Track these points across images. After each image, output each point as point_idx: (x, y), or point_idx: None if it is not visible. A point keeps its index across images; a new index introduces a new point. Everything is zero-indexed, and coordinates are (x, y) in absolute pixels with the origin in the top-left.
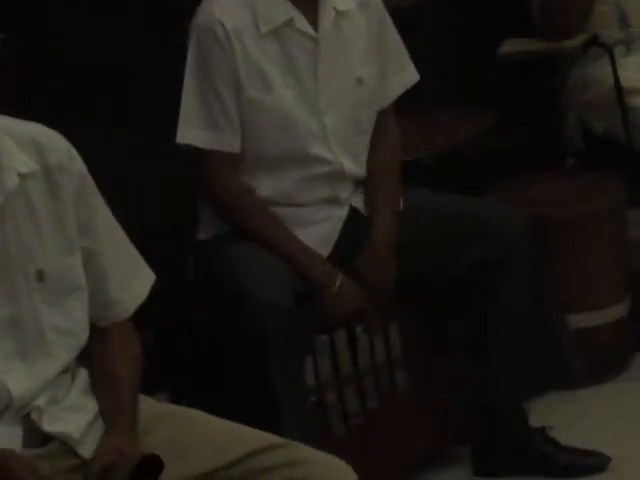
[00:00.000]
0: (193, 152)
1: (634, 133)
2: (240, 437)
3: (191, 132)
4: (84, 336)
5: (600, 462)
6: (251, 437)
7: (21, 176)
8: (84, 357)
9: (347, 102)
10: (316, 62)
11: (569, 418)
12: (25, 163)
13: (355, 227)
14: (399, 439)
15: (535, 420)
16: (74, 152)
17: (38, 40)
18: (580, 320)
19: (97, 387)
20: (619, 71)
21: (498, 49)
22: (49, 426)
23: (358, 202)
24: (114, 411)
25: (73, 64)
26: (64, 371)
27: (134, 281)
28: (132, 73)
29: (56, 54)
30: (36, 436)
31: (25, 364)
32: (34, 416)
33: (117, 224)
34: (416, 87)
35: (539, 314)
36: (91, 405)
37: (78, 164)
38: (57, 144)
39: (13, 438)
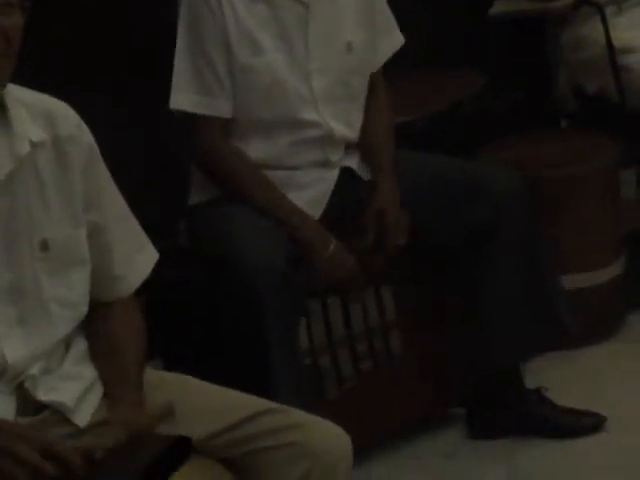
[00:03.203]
0: (185, 117)
1: (627, 92)
2: (235, 403)
3: (183, 97)
4: (84, 309)
5: (596, 422)
6: (245, 403)
7: (32, 145)
8: (80, 327)
9: (337, 67)
10: (306, 27)
11: (564, 379)
12: (36, 132)
13: (346, 189)
14: (393, 402)
15: (531, 381)
16: (84, 125)
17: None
18: (574, 280)
19: (101, 361)
20: (611, 31)
21: (489, 9)
22: (43, 395)
23: (351, 163)
24: (121, 383)
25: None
26: (60, 341)
27: (138, 257)
28: (123, 40)
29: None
30: (30, 405)
31: (23, 332)
32: (28, 385)
33: (122, 199)
34: (407, 49)
35: (533, 274)
36: (86, 373)
37: (87, 136)
38: (67, 115)
39: (7, 406)
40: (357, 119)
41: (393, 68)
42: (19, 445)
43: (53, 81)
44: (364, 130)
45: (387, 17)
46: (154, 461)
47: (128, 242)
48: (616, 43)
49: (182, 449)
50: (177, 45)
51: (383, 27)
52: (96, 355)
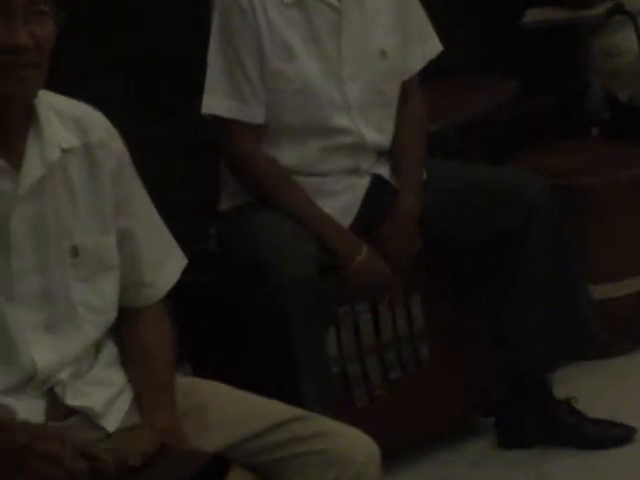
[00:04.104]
0: (217, 122)
1: None
2: (263, 410)
3: (216, 102)
4: (113, 315)
5: (626, 433)
6: (274, 410)
7: (63, 151)
8: (110, 332)
9: (370, 73)
10: (339, 33)
11: (594, 389)
12: (67, 139)
13: (377, 196)
14: (422, 410)
15: (560, 392)
16: (114, 131)
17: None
18: (604, 290)
19: (131, 365)
20: None
21: (522, 18)
22: (72, 400)
23: (382, 170)
24: (152, 389)
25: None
26: (89, 346)
27: (167, 264)
28: (159, 42)
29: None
30: (59, 409)
31: (53, 337)
32: (57, 390)
33: (152, 205)
34: (439, 57)
35: (563, 284)
36: (116, 379)
37: (118, 143)
38: (99, 122)
39: (36, 411)
40: (389, 126)
41: (426, 75)
42: (53, 445)
43: (79, 83)
44: (395, 137)
45: (423, 24)
46: (190, 478)
47: (157, 248)
48: None
49: (220, 467)
50: (209, 49)
51: (418, 34)
52: (127, 361)
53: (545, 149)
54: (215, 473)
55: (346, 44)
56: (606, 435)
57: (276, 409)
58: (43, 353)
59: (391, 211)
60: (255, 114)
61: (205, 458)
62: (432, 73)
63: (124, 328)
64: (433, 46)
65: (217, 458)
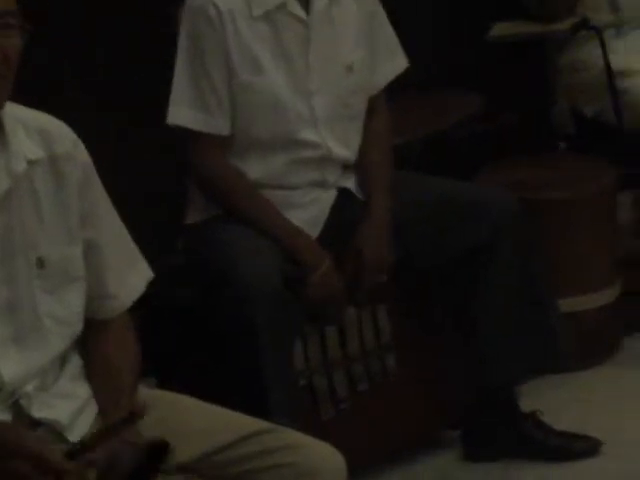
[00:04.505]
0: (183, 134)
1: (625, 116)
2: (229, 422)
3: (181, 113)
4: (79, 326)
5: (591, 446)
6: (240, 422)
7: (29, 162)
8: (75, 344)
9: (337, 87)
10: (307, 46)
11: (560, 402)
12: (33, 150)
13: (344, 209)
14: (388, 423)
15: (526, 405)
16: (80, 143)
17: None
18: (571, 304)
19: (95, 379)
20: (609, 54)
21: (488, 32)
22: (38, 412)
23: (348, 183)
24: (114, 402)
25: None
26: (55, 358)
27: (131, 275)
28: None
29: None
30: (25, 422)
31: (19, 350)
32: (23, 402)
33: (118, 217)
34: (405, 71)
35: (530, 298)
36: (81, 392)
37: (83, 154)
38: (64, 134)
39: None
40: (355, 140)
41: (391, 89)
42: (16, 461)
43: (46, 97)
44: (361, 151)
45: (390, 39)
46: (131, 473)
47: (122, 260)
48: (614, 67)
49: (160, 452)
50: (177, 60)
51: (385, 49)
52: (90, 374)
53: (511, 164)
54: (158, 456)
55: (314, 58)
56: (572, 448)
57: (243, 422)
58: (10, 365)
59: (364, 220)
60: (221, 126)
61: (142, 448)
62: (398, 87)
63: (89, 340)
64: (400, 61)
65: (155, 443)
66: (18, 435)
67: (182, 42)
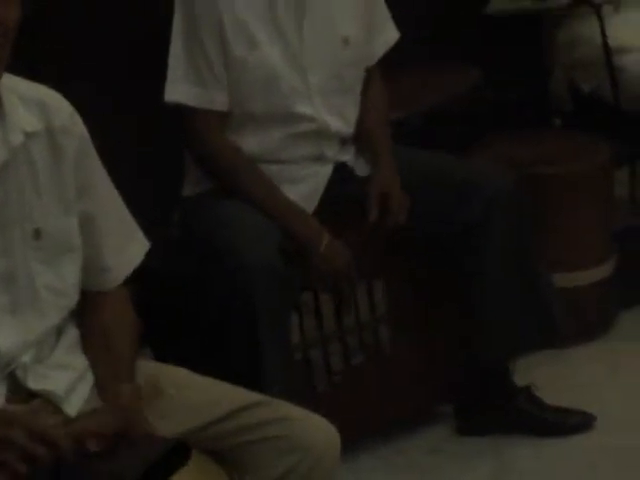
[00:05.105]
0: (180, 109)
1: (621, 92)
2: (224, 395)
3: (178, 89)
4: (75, 298)
5: (585, 421)
6: (235, 395)
7: (26, 134)
8: (71, 316)
9: (332, 61)
10: (302, 20)
11: (554, 377)
12: (30, 122)
13: (340, 184)
14: (382, 396)
15: (520, 379)
16: (77, 115)
17: None
18: (566, 279)
19: (92, 350)
20: (607, 30)
21: (486, 6)
22: (33, 383)
23: (346, 158)
24: (113, 374)
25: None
26: (51, 329)
27: (129, 247)
28: (119, 30)
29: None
30: (20, 393)
31: (15, 320)
32: (19, 373)
33: (114, 189)
34: (404, 45)
35: (525, 273)
36: (77, 363)
37: (80, 127)
38: (61, 106)
39: None
40: (352, 113)
41: (389, 63)
42: (10, 430)
43: (45, 69)
44: (360, 122)
45: (383, 11)
46: (153, 463)
47: (119, 232)
48: (612, 43)
49: (181, 453)
50: (172, 36)
51: (379, 21)
52: (87, 345)
53: (507, 139)
54: (177, 458)
55: (308, 31)
56: (565, 422)
57: (238, 394)
58: (6, 335)
59: (376, 171)
60: (218, 101)
61: (167, 444)
62: (397, 62)
63: (85, 312)
64: (393, 33)
65: (179, 444)
66: (7, 411)
67: (177, 18)
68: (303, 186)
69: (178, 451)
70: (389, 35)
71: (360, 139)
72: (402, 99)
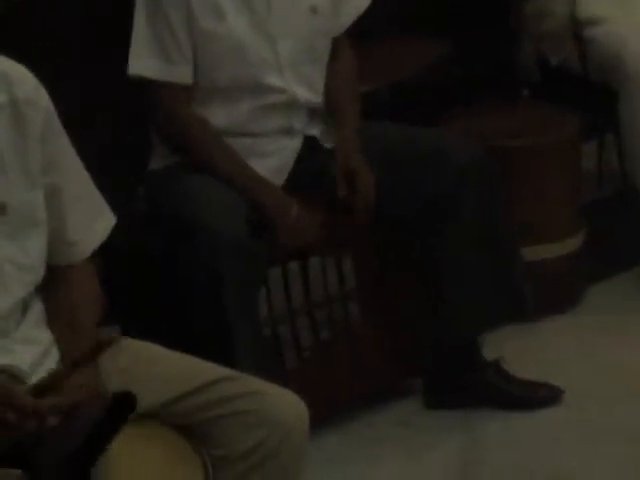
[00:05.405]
0: (145, 83)
1: (590, 64)
2: (192, 370)
3: (142, 63)
4: (40, 273)
5: (553, 394)
6: (204, 369)
7: None
8: (38, 291)
9: (301, 30)
10: None
11: (523, 350)
12: None
13: (309, 158)
14: (351, 371)
15: (489, 353)
16: (41, 87)
17: None
18: (535, 252)
19: (57, 324)
20: (576, 2)
21: None
22: None
23: (314, 131)
24: (74, 344)
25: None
26: (16, 304)
27: (95, 222)
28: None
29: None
30: None
31: None
32: None
33: (80, 163)
34: (372, 18)
35: (494, 247)
36: (43, 338)
37: (45, 99)
38: (25, 78)
39: None
40: (320, 83)
41: (358, 36)
42: None
43: (15, 46)
44: (327, 93)
45: None
46: (95, 425)
47: (85, 206)
48: (581, 15)
49: (125, 405)
50: (136, 9)
51: None
52: (52, 320)
53: (476, 111)
54: (122, 409)
55: (276, 1)
56: (534, 396)
57: (206, 369)
58: None
59: (342, 141)
60: (183, 74)
61: (107, 401)
62: (366, 34)
63: (50, 286)
64: (362, 1)
65: (120, 395)
66: None
67: None
68: (272, 160)
69: (122, 402)
70: (358, 2)
71: (328, 108)
72: (371, 72)
